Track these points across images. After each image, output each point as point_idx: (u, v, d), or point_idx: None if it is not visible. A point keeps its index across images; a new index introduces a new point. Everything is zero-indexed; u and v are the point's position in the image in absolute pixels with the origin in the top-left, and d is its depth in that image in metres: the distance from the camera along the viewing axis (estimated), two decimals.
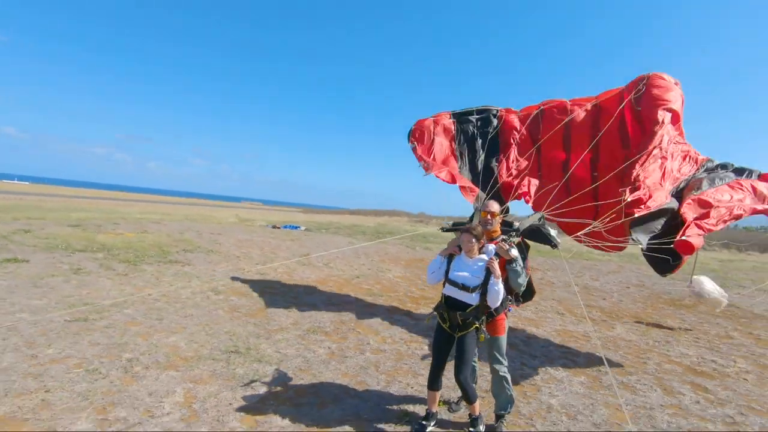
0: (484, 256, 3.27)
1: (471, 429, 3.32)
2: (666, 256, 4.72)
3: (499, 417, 3.57)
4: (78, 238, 11.28)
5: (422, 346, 5.54)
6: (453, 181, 5.10)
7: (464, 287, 3.21)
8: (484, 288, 3.18)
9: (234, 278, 8.51)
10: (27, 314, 5.27)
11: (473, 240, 3.25)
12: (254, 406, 3.58)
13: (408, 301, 8.06)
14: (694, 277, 7.50)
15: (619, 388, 4.64)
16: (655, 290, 11.13)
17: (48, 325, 4.98)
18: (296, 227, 22.04)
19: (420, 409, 3.76)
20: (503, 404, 3.57)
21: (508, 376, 3.58)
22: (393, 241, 19.83)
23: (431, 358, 3.47)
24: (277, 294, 7.62)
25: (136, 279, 7.64)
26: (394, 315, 6.96)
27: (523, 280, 3.35)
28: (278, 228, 21.03)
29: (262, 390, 3.90)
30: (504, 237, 3.61)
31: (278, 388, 3.96)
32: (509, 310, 3.61)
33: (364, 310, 7.11)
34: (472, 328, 3.21)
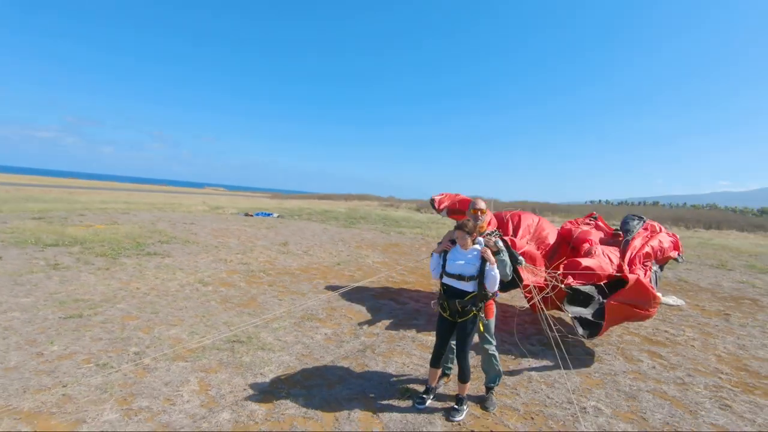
0: (477, 246, 3.65)
1: (455, 406, 3.71)
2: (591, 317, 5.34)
3: (488, 389, 4.03)
4: (46, 231, 10.92)
5: (410, 329, 5.94)
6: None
7: (461, 277, 3.59)
8: (480, 277, 3.57)
9: (218, 269, 8.61)
10: (18, 312, 5.25)
11: (466, 235, 3.63)
12: (268, 390, 3.86)
13: (391, 286, 8.46)
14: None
15: (587, 358, 5.24)
16: None
17: (44, 323, 5.00)
18: (269, 214, 21.93)
19: (417, 386, 4.16)
20: (492, 378, 4.03)
21: (497, 354, 4.03)
22: (367, 226, 20.18)
23: (434, 340, 3.86)
24: (264, 284, 7.80)
25: (119, 273, 7.61)
26: (380, 300, 7.34)
27: (510, 270, 3.78)
28: (251, 216, 20.86)
29: (271, 375, 4.17)
30: (489, 232, 4.08)
31: (286, 373, 4.25)
32: (497, 296, 4.04)
33: (351, 296, 7.43)
34: (471, 315, 3.61)
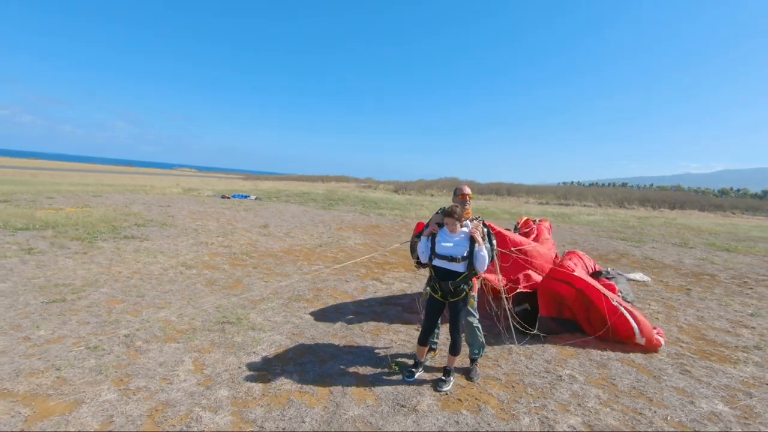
0: (465, 229, 3.83)
1: (443, 377, 3.95)
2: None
3: (473, 360, 4.29)
4: (14, 215, 10.52)
5: (395, 307, 6.15)
6: None
7: (452, 258, 3.76)
8: (469, 257, 3.75)
9: (200, 252, 8.55)
10: None
11: (456, 222, 3.79)
12: (262, 368, 3.98)
13: (374, 267, 8.63)
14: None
15: (561, 332, 5.58)
16: (585, 247, 12.64)
17: (26, 308, 4.93)
18: (246, 196, 21.64)
19: (406, 360, 4.37)
20: (477, 349, 4.28)
21: (480, 326, 4.27)
22: (346, 208, 20.22)
23: (423, 320, 4.05)
24: (248, 266, 7.83)
25: (97, 257, 7.47)
26: (364, 281, 7.50)
27: (491, 252, 4.03)
28: (228, 198, 20.53)
29: (264, 354, 4.29)
30: (474, 216, 4.31)
31: (278, 351, 4.37)
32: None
33: (335, 277, 7.58)
34: (462, 295, 3.80)
